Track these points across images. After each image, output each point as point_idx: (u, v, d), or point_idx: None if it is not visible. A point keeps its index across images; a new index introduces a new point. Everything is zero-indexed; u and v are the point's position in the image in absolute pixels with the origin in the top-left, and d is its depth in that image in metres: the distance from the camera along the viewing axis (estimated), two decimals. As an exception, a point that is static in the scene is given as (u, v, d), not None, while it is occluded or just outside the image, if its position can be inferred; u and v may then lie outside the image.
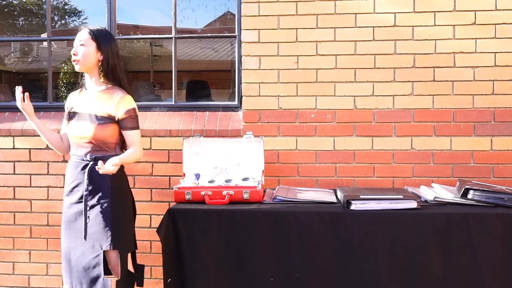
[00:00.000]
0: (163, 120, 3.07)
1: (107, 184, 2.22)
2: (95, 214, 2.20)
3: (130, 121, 2.25)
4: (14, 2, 5.01)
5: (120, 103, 2.22)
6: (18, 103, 2.28)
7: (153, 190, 3.03)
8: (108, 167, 2.09)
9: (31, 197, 3.11)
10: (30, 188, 3.11)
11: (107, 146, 2.24)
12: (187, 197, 2.43)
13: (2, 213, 3.13)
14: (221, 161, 2.78)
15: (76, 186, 2.24)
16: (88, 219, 2.18)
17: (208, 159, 2.79)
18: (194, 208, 2.34)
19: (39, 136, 3.04)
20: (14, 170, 3.12)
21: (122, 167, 2.32)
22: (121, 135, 2.28)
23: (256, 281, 2.27)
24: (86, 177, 2.19)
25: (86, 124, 2.23)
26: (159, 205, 3.01)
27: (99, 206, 2.20)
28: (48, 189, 3.09)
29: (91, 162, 2.21)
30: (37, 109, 3.20)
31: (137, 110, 2.30)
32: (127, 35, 4.89)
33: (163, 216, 2.32)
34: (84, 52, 2.22)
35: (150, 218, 3.03)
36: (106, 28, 2.41)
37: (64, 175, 2.50)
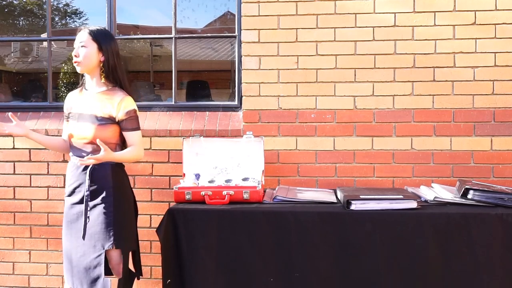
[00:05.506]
0: (163, 120, 3.07)
1: (109, 184, 2.22)
2: (97, 214, 2.20)
3: (130, 122, 2.26)
4: (14, 2, 5.01)
5: (120, 104, 2.23)
6: (13, 129, 2.26)
7: (153, 190, 3.03)
8: (89, 160, 2.11)
9: (31, 197, 3.11)
10: (30, 188, 3.11)
11: (108, 147, 2.21)
12: (187, 197, 2.43)
13: (2, 213, 3.13)
14: (221, 161, 2.78)
15: (78, 186, 2.24)
16: (88, 219, 2.18)
17: (208, 159, 2.79)
18: (194, 208, 2.34)
19: (39, 136, 3.06)
20: (14, 170, 3.12)
21: (122, 166, 2.33)
22: (121, 136, 2.28)
23: (256, 281, 2.27)
24: (87, 177, 2.19)
25: (86, 125, 2.23)
26: (159, 205, 3.01)
27: (101, 206, 2.20)
28: (48, 189, 3.09)
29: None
30: (37, 109, 3.22)
31: (137, 111, 2.30)
32: (127, 35, 4.88)
33: (163, 216, 2.32)
34: (85, 54, 2.22)
35: (150, 218, 3.03)
36: (106, 28, 2.40)
37: (64, 175, 2.50)
